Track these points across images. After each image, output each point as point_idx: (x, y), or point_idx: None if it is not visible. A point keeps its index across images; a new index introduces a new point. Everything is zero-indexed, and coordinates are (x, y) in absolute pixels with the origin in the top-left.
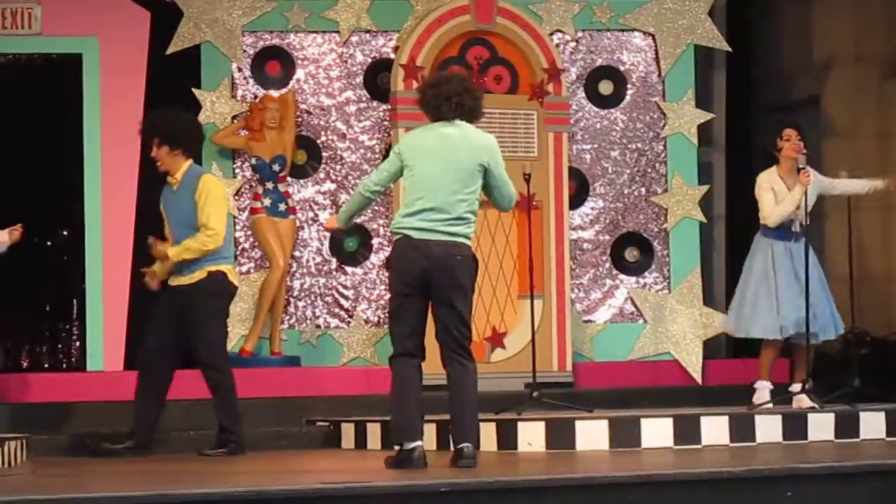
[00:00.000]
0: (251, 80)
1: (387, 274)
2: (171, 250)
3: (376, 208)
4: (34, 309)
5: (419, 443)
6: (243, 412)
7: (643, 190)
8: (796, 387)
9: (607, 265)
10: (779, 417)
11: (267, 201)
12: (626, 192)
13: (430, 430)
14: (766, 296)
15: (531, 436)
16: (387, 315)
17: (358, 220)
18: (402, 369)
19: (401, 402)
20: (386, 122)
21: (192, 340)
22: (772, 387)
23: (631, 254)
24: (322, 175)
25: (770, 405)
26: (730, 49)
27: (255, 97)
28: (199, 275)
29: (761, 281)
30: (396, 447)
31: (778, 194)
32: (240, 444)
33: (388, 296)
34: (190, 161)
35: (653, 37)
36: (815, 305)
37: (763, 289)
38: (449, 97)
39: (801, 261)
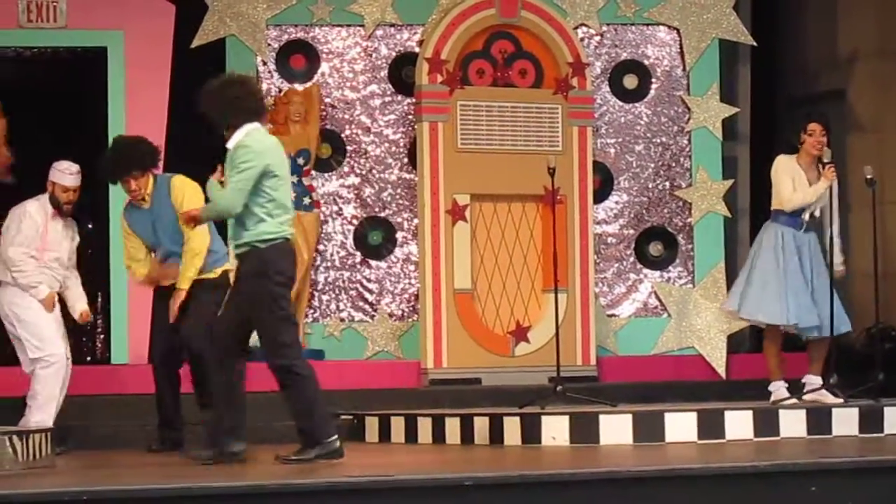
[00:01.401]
0: (276, 74)
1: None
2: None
3: (400, 202)
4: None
5: (336, 435)
6: (268, 406)
7: (667, 184)
8: (812, 378)
9: (631, 259)
10: (803, 412)
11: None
12: (650, 186)
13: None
14: (773, 281)
15: (555, 430)
16: (402, 311)
17: (382, 214)
18: (310, 370)
19: (319, 400)
20: (410, 116)
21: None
22: (786, 384)
23: (655, 248)
24: (346, 169)
25: (792, 400)
26: (755, 43)
27: (280, 91)
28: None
29: (769, 266)
30: (316, 446)
31: (796, 180)
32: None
33: (412, 289)
34: (149, 174)
35: (677, 31)
36: (822, 300)
37: (771, 274)
38: (261, 97)
39: (808, 252)
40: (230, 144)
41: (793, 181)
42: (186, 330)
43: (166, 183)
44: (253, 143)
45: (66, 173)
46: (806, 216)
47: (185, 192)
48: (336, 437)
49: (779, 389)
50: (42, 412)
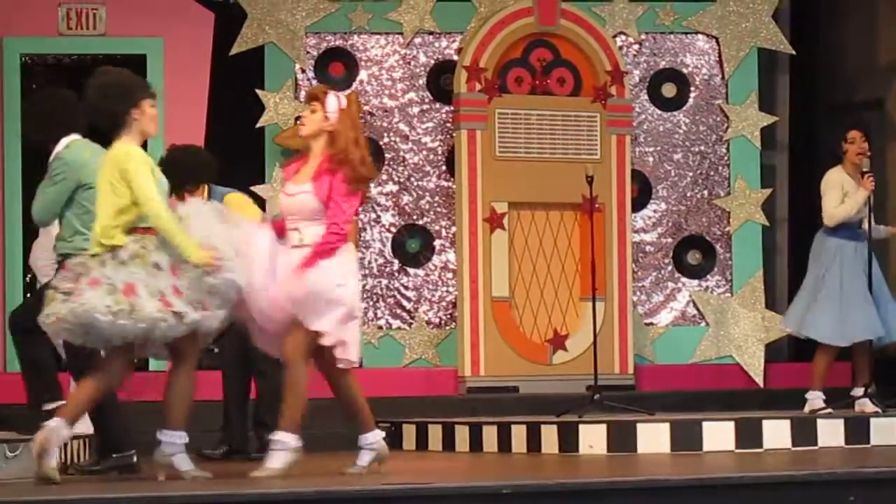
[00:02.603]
0: (314, 82)
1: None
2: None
3: (438, 209)
4: None
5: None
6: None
7: (706, 193)
8: (858, 391)
9: (669, 268)
10: (841, 421)
11: None
12: (688, 194)
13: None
14: (833, 300)
15: (592, 438)
16: (440, 319)
17: (420, 222)
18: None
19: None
20: (449, 124)
21: None
22: (824, 396)
23: (693, 257)
24: (385, 177)
25: (828, 410)
26: (793, 52)
27: None
28: None
29: (831, 284)
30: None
31: (847, 192)
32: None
33: (450, 297)
34: (204, 187)
35: (716, 39)
36: (882, 307)
37: (832, 293)
38: (78, 109)
39: (866, 262)
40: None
41: (843, 193)
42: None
43: (220, 198)
44: (68, 155)
45: None
46: (864, 225)
47: (245, 210)
48: (134, 451)
49: (815, 399)
50: None
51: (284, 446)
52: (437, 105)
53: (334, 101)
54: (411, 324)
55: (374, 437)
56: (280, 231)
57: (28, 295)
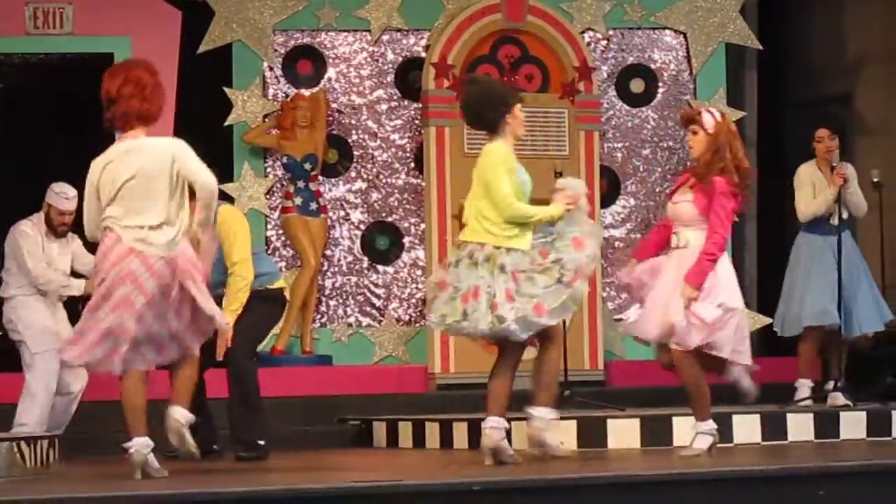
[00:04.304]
0: (282, 79)
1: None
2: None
3: (407, 206)
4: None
5: None
6: (276, 411)
7: None
8: (830, 384)
9: None
10: (811, 416)
11: (298, 200)
12: (657, 190)
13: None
14: (805, 288)
15: (563, 435)
16: (410, 316)
17: (389, 219)
18: None
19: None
20: (417, 121)
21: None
22: (812, 384)
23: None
24: (353, 174)
25: (808, 402)
26: (761, 47)
27: (287, 96)
28: None
29: (802, 277)
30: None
31: (817, 187)
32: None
33: (419, 294)
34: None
35: (684, 35)
36: (853, 297)
37: (803, 284)
38: None
39: (835, 254)
40: None
41: (814, 188)
42: (233, 348)
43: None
44: None
45: (61, 197)
46: (834, 220)
47: (233, 227)
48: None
49: (803, 387)
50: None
51: (710, 431)
52: (406, 102)
53: (709, 118)
54: (381, 321)
55: (710, 426)
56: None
57: None
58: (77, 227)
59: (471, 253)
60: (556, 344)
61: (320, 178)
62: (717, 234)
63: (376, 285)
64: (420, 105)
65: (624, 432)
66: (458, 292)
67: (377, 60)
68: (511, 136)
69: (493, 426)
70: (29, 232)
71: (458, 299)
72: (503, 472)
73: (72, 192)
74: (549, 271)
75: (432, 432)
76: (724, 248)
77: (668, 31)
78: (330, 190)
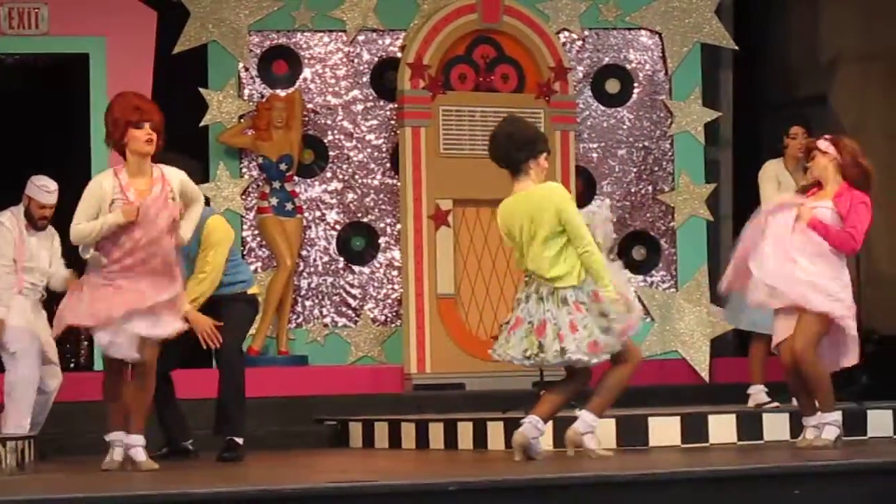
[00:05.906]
0: (258, 80)
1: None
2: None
3: (383, 207)
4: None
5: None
6: (252, 411)
7: (650, 188)
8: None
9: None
10: (786, 416)
11: (274, 201)
12: (632, 190)
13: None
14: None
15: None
16: (386, 316)
17: (365, 220)
18: None
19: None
20: (393, 122)
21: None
22: (766, 389)
23: (638, 252)
24: (329, 174)
25: (774, 404)
26: (737, 47)
27: (262, 96)
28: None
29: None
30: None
31: (782, 186)
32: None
33: (395, 294)
34: None
35: (659, 35)
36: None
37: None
38: None
39: None
40: None
41: (778, 185)
42: (225, 345)
43: (203, 220)
44: None
45: (42, 190)
46: None
47: (220, 240)
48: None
49: (758, 393)
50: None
51: (837, 422)
52: (381, 102)
53: (825, 144)
54: (357, 321)
55: (836, 417)
56: None
57: None
58: (55, 222)
59: (537, 287)
60: (630, 363)
61: (296, 178)
62: (854, 229)
63: (352, 286)
64: (396, 105)
65: (599, 432)
66: (532, 327)
67: (353, 61)
68: (530, 181)
69: (532, 423)
70: (6, 224)
71: (533, 334)
72: (478, 472)
73: (53, 185)
74: (604, 312)
75: (408, 433)
76: (859, 241)
77: (643, 32)
78: (306, 190)
